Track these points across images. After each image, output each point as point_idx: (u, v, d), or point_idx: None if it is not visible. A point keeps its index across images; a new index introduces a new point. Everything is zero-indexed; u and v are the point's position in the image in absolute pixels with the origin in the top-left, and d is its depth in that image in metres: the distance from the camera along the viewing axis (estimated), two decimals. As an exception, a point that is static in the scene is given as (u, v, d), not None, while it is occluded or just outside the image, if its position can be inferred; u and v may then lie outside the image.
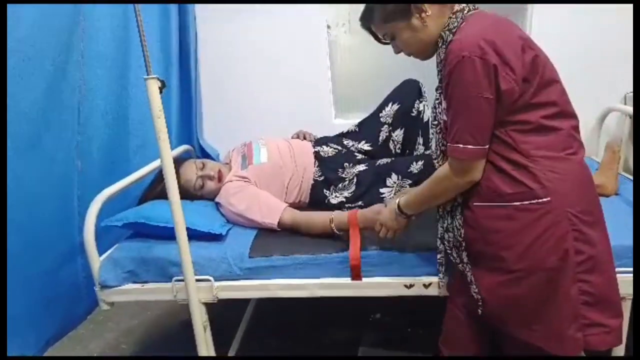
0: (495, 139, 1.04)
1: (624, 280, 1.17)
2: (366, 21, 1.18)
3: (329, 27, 2.25)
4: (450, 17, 1.07)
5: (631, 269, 1.22)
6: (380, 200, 1.56)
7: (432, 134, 1.18)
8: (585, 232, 1.03)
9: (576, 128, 1.08)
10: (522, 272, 1.04)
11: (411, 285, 1.33)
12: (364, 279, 1.34)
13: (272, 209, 1.51)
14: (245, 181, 1.63)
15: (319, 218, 1.46)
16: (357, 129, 1.85)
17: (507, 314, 1.11)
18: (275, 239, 1.45)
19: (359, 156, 1.77)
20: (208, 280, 1.37)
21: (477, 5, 1.11)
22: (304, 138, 1.93)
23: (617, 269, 1.11)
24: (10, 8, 1.26)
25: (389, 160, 1.66)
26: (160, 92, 1.13)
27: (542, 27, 2.06)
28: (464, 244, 1.13)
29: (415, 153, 1.78)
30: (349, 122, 1.95)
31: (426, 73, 1.53)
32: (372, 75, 2.31)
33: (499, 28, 1.02)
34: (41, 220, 1.46)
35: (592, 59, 2.06)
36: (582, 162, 1.08)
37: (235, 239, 1.46)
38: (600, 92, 2.03)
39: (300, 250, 1.38)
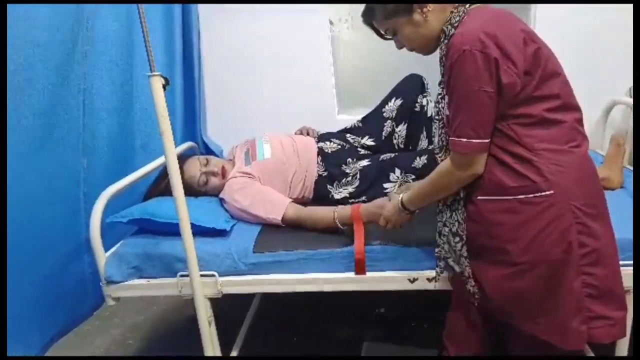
0: (498, 132, 1.04)
1: (628, 273, 1.17)
2: (368, 17, 1.18)
3: (331, 22, 2.24)
4: (452, 12, 1.07)
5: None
6: (384, 195, 1.56)
7: (435, 128, 1.18)
8: (589, 225, 1.03)
9: (580, 121, 1.08)
10: (526, 264, 1.05)
11: (415, 280, 1.33)
12: (368, 274, 1.34)
13: (276, 205, 1.52)
14: (249, 177, 1.64)
15: (322, 213, 1.46)
16: (360, 125, 1.85)
17: (512, 307, 1.11)
18: (279, 235, 1.46)
19: (362, 151, 1.78)
20: (213, 275, 1.38)
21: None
22: (308, 134, 1.93)
23: (621, 262, 1.11)
24: (14, 7, 1.27)
25: (392, 155, 1.66)
26: (164, 89, 1.13)
27: (546, 20, 2.05)
28: (464, 238, 1.14)
29: (418, 148, 1.77)
30: (352, 118, 1.95)
31: (429, 68, 1.53)
32: (375, 71, 2.31)
33: (500, 21, 1.02)
34: (48, 218, 1.47)
35: (597, 51, 2.05)
36: (586, 154, 1.08)
37: (240, 235, 1.47)
38: (605, 84, 2.02)
39: (304, 245, 1.39)
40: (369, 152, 1.78)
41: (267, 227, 1.51)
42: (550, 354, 1.17)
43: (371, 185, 1.59)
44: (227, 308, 1.58)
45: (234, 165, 1.74)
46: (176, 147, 1.32)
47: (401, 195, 1.24)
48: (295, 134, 1.94)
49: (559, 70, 1.06)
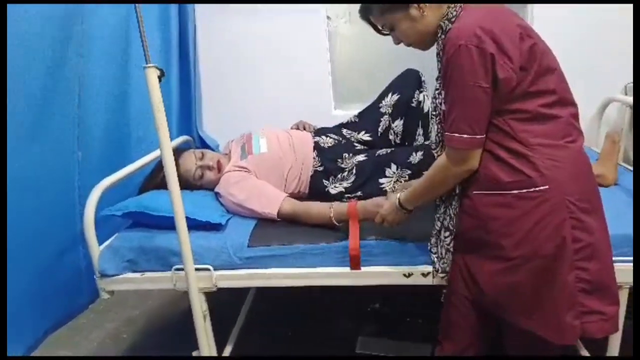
0: (494, 127, 1.04)
1: (622, 268, 1.18)
2: (365, 13, 1.18)
3: (328, 17, 2.24)
4: (449, 7, 1.07)
5: (628, 258, 1.22)
6: (380, 190, 1.56)
7: (433, 124, 1.18)
8: (583, 220, 1.03)
9: (575, 116, 1.08)
10: (520, 259, 1.05)
11: (410, 274, 1.33)
12: (363, 268, 1.35)
13: (271, 199, 1.51)
14: (244, 171, 1.63)
15: (318, 208, 1.46)
16: (356, 120, 1.85)
17: (506, 301, 1.12)
18: (274, 229, 1.46)
19: (359, 146, 1.77)
20: (207, 269, 1.38)
21: None
22: (304, 129, 1.93)
23: (615, 258, 1.12)
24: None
25: (388, 150, 1.66)
26: (160, 80, 1.12)
27: (543, 18, 2.06)
28: (454, 233, 1.15)
29: (414, 143, 1.78)
30: (349, 113, 1.95)
31: (426, 63, 1.53)
32: (372, 66, 2.31)
33: (497, 17, 1.02)
34: (42, 210, 1.47)
35: (593, 49, 2.06)
36: (581, 149, 1.08)
37: (235, 229, 1.47)
38: (600, 82, 2.03)
39: (300, 239, 1.39)
40: (365, 147, 1.78)
41: (263, 221, 1.50)
42: (544, 349, 1.18)
43: (367, 180, 1.59)
44: (222, 302, 1.58)
45: (230, 160, 1.74)
46: (171, 140, 1.32)
47: (399, 195, 1.24)
48: (292, 128, 1.94)
49: (554, 66, 1.06)
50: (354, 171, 1.62)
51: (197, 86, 2.29)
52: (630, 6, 1.93)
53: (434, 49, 1.14)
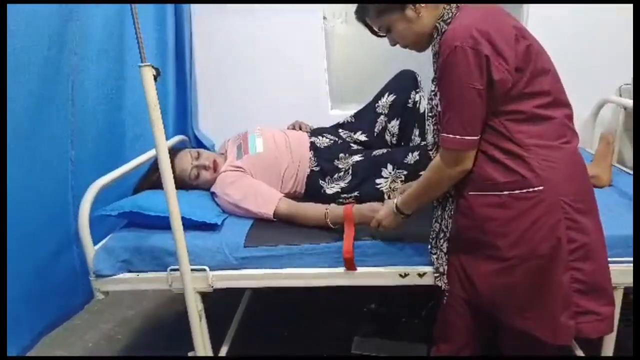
0: (490, 128, 1.05)
1: (617, 269, 1.18)
2: (361, 14, 1.18)
3: (325, 17, 2.24)
4: (445, 8, 1.07)
5: (623, 259, 1.23)
6: (376, 190, 1.56)
7: (429, 125, 1.18)
8: (578, 221, 1.04)
9: (570, 117, 1.09)
10: (516, 259, 1.06)
11: (406, 275, 1.34)
12: (359, 269, 1.35)
13: (267, 199, 1.51)
14: (240, 171, 1.63)
15: (314, 210, 1.46)
16: (353, 120, 1.85)
17: (501, 302, 1.12)
18: (270, 229, 1.45)
19: (355, 147, 1.77)
20: (203, 269, 1.37)
21: None
22: (300, 128, 1.92)
23: (610, 259, 1.12)
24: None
25: (384, 150, 1.66)
26: (155, 80, 1.12)
27: (538, 19, 2.06)
28: (447, 235, 1.16)
29: (411, 144, 1.77)
30: (345, 113, 1.95)
31: (423, 64, 1.52)
32: (368, 66, 2.31)
33: (492, 18, 1.03)
34: (36, 210, 1.46)
35: (588, 50, 2.07)
36: (576, 150, 1.09)
37: (231, 229, 1.46)
38: (595, 83, 2.04)
39: (296, 240, 1.39)
40: (361, 147, 1.78)
41: (259, 221, 1.50)
42: (540, 350, 1.18)
43: (363, 181, 1.59)
44: (218, 303, 1.58)
45: (226, 159, 1.73)
46: (167, 140, 1.31)
47: (395, 200, 1.24)
48: (288, 128, 1.94)
49: (549, 67, 1.06)
50: (350, 171, 1.62)
51: (193, 86, 2.28)
52: (626, 6, 1.94)
53: (430, 50, 1.14)
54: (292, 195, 1.63)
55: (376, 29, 1.19)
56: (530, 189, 1.02)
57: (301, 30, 2.21)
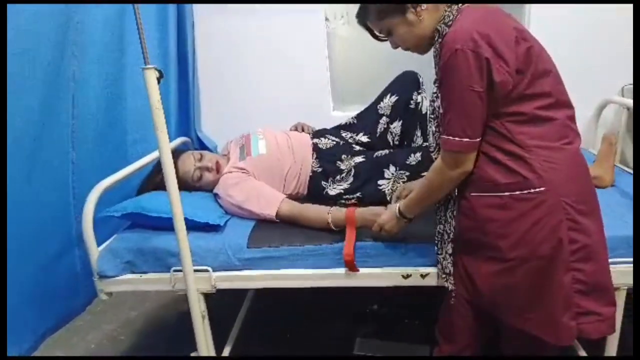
0: (491, 130, 1.05)
1: (619, 270, 1.19)
2: (362, 18, 1.19)
3: (327, 19, 2.24)
4: (446, 10, 1.07)
5: (625, 260, 1.23)
6: (379, 191, 1.56)
7: (430, 127, 1.18)
8: (579, 222, 1.04)
9: (572, 117, 1.09)
10: (517, 260, 1.06)
11: (408, 276, 1.34)
12: (362, 270, 1.35)
13: (270, 201, 1.51)
14: (243, 172, 1.64)
15: (316, 212, 1.46)
16: (355, 121, 1.85)
17: (503, 302, 1.13)
18: (273, 230, 1.46)
19: (357, 148, 1.78)
20: (206, 270, 1.37)
21: None
22: (302, 130, 1.93)
23: (611, 260, 1.13)
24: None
25: (387, 152, 1.66)
26: (158, 82, 1.12)
27: (540, 19, 2.06)
28: (451, 236, 1.16)
29: (413, 145, 1.78)
30: (347, 114, 1.95)
31: (424, 65, 1.52)
32: (371, 67, 2.31)
33: (493, 20, 1.03)
34: (37, 212, 1.46)
35: (590, 50, 2.07)
36: (578, 151, 1.09)
37: (234, 230, 1.47)
38: (597, 84, 2.04)
39: (298, 241, 1.39)
40: (363, 148, 1.78)
41: (261, 222, 1.51)
42: (541, 350, 1.18)
43: (366, 182, 1.59)
44: (221, 303, 1.58)
45: (229, 161, 1.74)
46: (170, 142, 1.32)
47: (398, 204, 1.24)
48: (290, 130, 1.94)
49: (550, 68, 1.06)
50: (353, 172, 1.62)
51: (195, 87, 2.29)
52: (627, 6, 1.94)
53: (432, 52, 1.15)
54: (295, 197, 1.63)
55: (377, 33, 1.19)
56: (532, 190, 1.02)
57: (303, 31, 2.22)
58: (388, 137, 1.80)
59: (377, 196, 1.55)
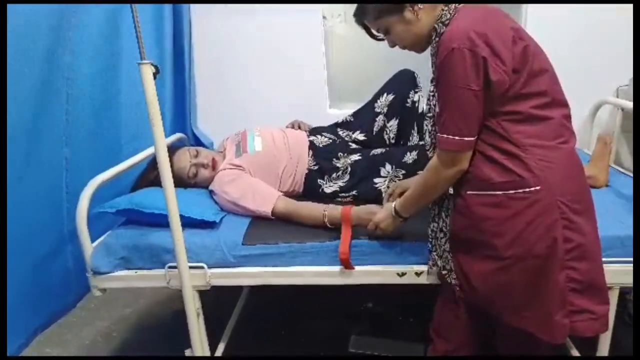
0: (487, 129, 1.05)
1: (612, 269, 1.19)
2: (359, 17, 1.19)
3: (324, 17, 2.24)
4: (443, 9, 1.08)
5: (619, 259, 1.24)
6: (375, 189, 1.56)
7: (427, 125, 1.19)
8: (574, 221, 1.04)
9: (567, 117, 1.09)
10: (512, 259, 1.06)
11: (403, 274, 1.34)
12: (357, 267, 1.35)
13: (265, 198, 1.51)
14: (239, 169, 1.63)
15: (312, 210, 1.46)
16: (351, 119, 1.86)
17: (497, 300, 1.13)
18: (269, 227, 1.45)
19: (354, 146, 1.78)
20: (201, 267, 1.37)
21: None
22: (299, 128, 1.93)
23: (605, 259, 1.13)
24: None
25: (383, 150, 1.66)
26: (154, 77, 1.12)
27: (537, 19, 2.07)
28: (447, 234, 1.16)
29: (409, 143, 1.78)
30: (344, 112, 1.95)
31: (421, 64, 1.52)
32: (367, 66, 2.31)
33: (490, 19, 1.03)
34: (29, 208, 1.45)
35: (586, 51, 2.08)
36: (573, 150, 1.09)
37: (229, 227, 1.46)
38: (593, 84, 2.05)
39: (294, 238, 1.39)
40: (360, 146, 1.78)
41: (257, 219, 1.50)
42: (535, 348, 1.19)
43: (362, 180, 1.60)
44: (215, 301, 1.58)
45: (225, 158, 1.73)
46: (165, 138, 1.31)
47: (394, 203, 1.24)
48: (287, 127, 1.94)
49: (546, 67, 1.07)
50: (349, 170, 1.62)
51: (191, 84, 2.28)
52: (626, 6, 1.95)
53: (429, 50, 1.15)
54: (291, 194, 1.63)
55: (375, 31, 1.19)
56: (527, 189, 1.03)
57: (300, 29, 2.22)
58: (384, 135, 1.80)
59: (372, 194, 1.55)
